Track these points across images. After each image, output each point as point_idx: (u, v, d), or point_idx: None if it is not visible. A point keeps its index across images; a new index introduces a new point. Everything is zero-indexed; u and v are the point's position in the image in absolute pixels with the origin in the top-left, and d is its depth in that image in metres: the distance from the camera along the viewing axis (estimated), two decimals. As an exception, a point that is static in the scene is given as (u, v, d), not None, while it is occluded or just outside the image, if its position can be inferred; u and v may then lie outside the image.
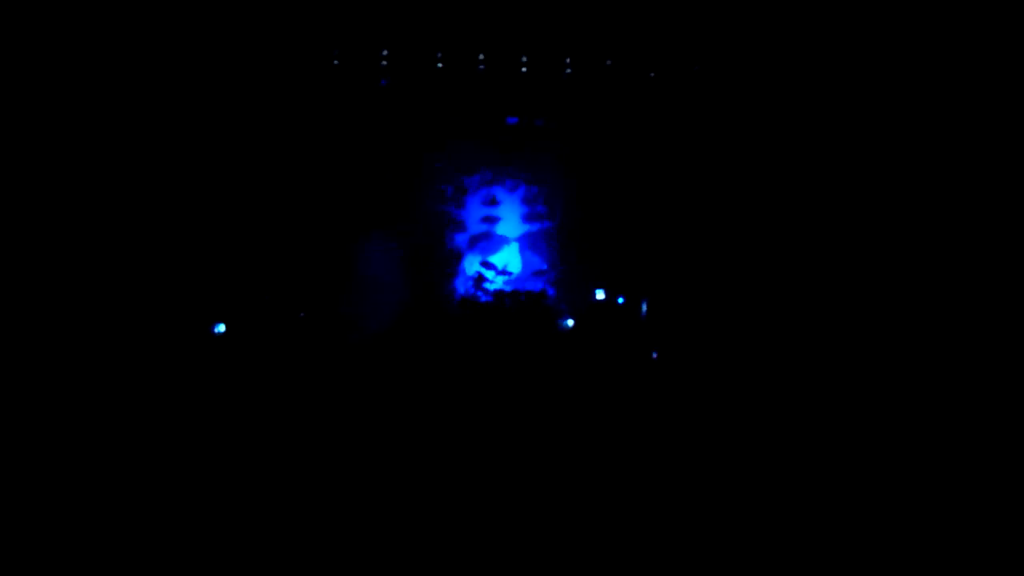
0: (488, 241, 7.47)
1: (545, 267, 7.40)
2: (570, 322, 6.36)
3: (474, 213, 7.47)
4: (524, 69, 6.92)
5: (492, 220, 7.49)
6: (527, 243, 7.48)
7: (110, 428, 4.23)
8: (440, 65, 6.93)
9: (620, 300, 6.47)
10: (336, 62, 6.81)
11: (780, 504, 3.31)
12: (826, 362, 4.67)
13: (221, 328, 6.06)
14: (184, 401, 4.79)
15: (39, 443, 3.98)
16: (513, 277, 7.26)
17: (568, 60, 6.83)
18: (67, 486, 3.46)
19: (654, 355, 4.66)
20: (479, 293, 6.99)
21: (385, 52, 6.88)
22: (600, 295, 6.28)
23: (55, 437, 4.06)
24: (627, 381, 4.52)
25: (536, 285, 7.30)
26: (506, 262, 7.37)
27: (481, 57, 6.95)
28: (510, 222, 7.49)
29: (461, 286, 7.31)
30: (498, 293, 6.91)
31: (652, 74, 6.78)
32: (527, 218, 7.49)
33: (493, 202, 7.49)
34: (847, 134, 5.82)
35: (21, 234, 5.49)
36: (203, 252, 6.43)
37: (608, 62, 6.73)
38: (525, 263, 7.45)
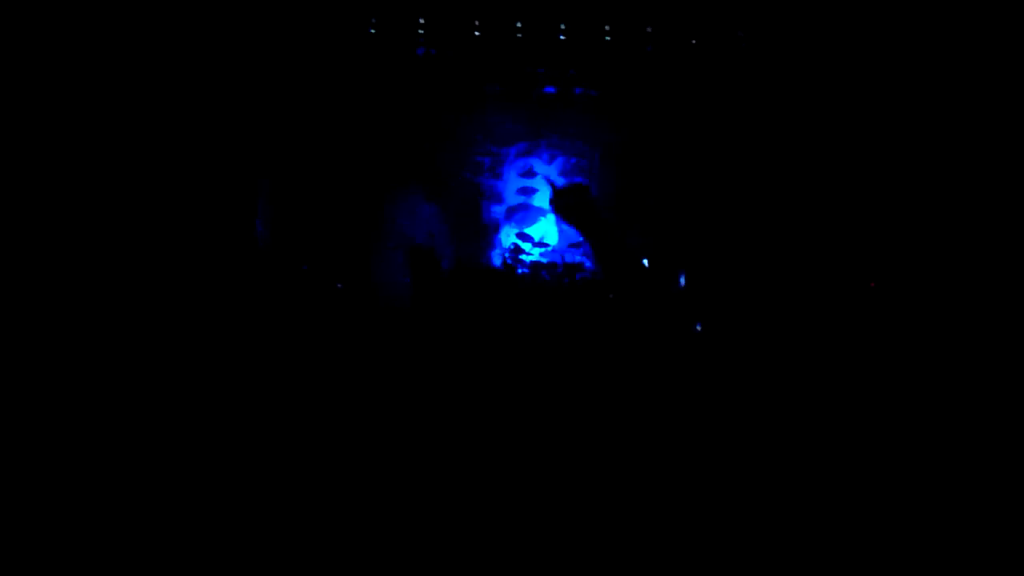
0: (525, 212, 7.41)
1: (581, 239, 7.32)
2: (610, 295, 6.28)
3: (511, 184, 7.42)
4: (562, 37, 6.80)
5: (529, 191, 7.43)
6: (564, 215, 7.41)
7: (142, 398, 4.26)
8: (477, 33, 6.83)
9: (659, 273, 6.38)
10: (372, 31, 6.75)
11: (829, 486, 3.22)
12: (873, 339, 4.55)
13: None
14: (218, 372, 4.79)
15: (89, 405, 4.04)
16: (549, 249, 7.20)
17: (607, 27, 6.69)
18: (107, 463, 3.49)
19: (697, 327, 4.56)
20: (515, 264, 6.95)
21: (422, 20, 6.80)
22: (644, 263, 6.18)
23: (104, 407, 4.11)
24: (668, 353, 4.44)
25: (572, 257, 7.24)
26: (543, 234, 7.31)
27: (519, 25, 6.84)
28: (547, 194, 7.42)
29: (497, 257, 7.27)
30: (534, 265, 6.86)
31: (694, 41, 6.62)
32: (564, 189, 7.41)
33: (530, 173, 7.43)
34: (899, 103, 5.64)
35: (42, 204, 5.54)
36: (240, 221, 6.46)
37: (648, 29, 6.57)
38: (561, 235, 7.39)
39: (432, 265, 4.95)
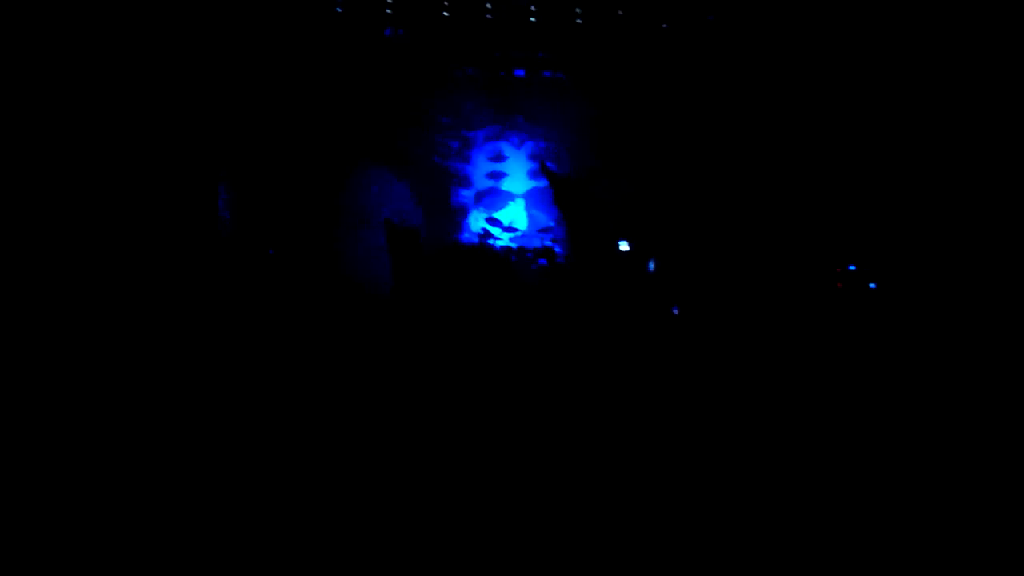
0: (494, 197, 7.35)
1: (551, 224, 7.29)
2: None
3: (480, 168, 7.34)
4: (532, 20, 6.72)
5: (498, 176, 7.36)
6: (533, 199, 7.37)
7: (110, 390, 4.10)
8: (446, 14, 6.71)
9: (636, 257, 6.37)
10: (339, 9, 6.58)
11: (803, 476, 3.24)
12: (848, 321, 4.62)
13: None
14: (191, 361, 4.64)
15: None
16: (519, 234, 7.15)
17: (578, 10, 6.63)
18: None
19: (674, 310, 4.58)
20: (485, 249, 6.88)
21: (389, 0, 6.66)
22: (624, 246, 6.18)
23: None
24: (645, 337, 4.45)
25: (542, 242, 7.21)
26: (512, 218, 7.26)
27: (488, 7, 6.74)
28: (516, 178, 7.37)
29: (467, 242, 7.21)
30: (504, 249, 6.80)
31: (664, 25, 6.61)
32: (533, 174, 7.37)
33: (499, 157, 7.36)
34: (862, 86, 5.71)
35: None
36: (203, 204, 6.27)
37: (619, 12, 6.53)
38: (531, 219, 7.35)
39: (413, 245, 4.83)
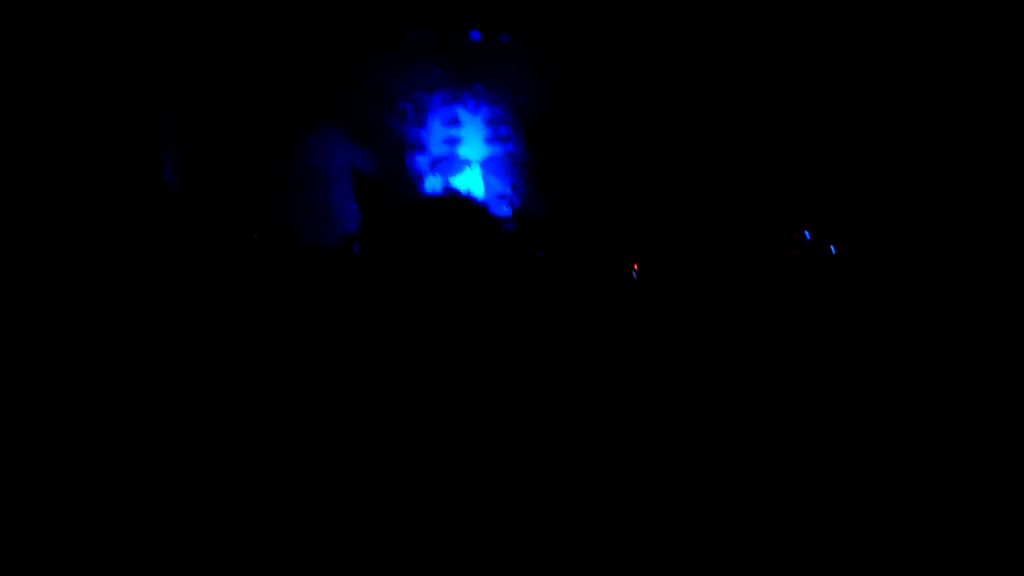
0: (449, 163, 7.21)
1: (509, 191, 7.20)
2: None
3: (435, 134, 7.18)
4: (489, -21, 6.56)
5: (454, 141, 7.22)
6: (490, 166, 7.26)
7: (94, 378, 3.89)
8: (400, -27, 6.50)
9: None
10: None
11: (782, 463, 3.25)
12: (819, 302, 4.66)
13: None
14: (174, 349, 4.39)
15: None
16: (476, 201, 7.04)
17: (536, -29, 6.49)
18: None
19: (633, 274, 4.56)
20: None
21: (340, -44, 6.41)
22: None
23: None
24: (605, 304, 4.43)
25: (499, 210, 7.12)
26: (468, 185, 7.15)
27: (443, -34, 6.55)
28: (473, 144, 7.24)
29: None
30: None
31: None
32: (490, 140, 7.24)
33: (455, 121, 7.21)
34: (823, 59, 5.75)
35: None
36: (183, 188, 6.00)
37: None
38: (488, 186, 7.24)
39: (384, 194, 4.68)
